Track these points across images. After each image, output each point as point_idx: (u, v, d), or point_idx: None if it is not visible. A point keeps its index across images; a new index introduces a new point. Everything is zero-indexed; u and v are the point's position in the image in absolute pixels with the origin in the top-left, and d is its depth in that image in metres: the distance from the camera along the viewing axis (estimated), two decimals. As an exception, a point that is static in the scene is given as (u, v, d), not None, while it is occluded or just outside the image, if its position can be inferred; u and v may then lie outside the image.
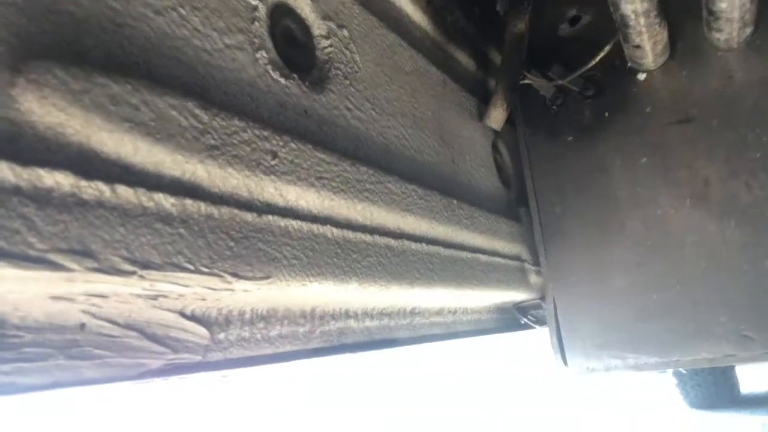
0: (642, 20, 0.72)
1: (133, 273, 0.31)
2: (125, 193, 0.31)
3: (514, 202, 0.97)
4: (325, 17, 0.57)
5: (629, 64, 0.87)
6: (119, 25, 0.34)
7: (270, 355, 0.51)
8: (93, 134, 0.30)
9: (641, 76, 0.87)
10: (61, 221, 0.28)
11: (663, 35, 0.78)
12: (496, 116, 0.88)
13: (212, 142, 0.38)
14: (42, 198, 0.28)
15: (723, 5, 0.70)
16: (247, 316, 0.48)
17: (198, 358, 0.43)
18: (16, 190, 0.27)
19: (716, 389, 3.36)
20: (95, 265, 0.29)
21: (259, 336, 0.49)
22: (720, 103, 0.82)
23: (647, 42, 0.78)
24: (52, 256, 0.27)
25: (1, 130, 0.27)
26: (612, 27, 0.78)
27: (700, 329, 0.84)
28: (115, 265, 0.30)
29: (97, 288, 0.31)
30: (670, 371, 3.39)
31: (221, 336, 0.45)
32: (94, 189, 0.30)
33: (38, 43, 0.29)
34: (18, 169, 0.27)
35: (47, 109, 0.28)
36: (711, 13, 0.73)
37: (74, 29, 0.32)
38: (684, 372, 3.27)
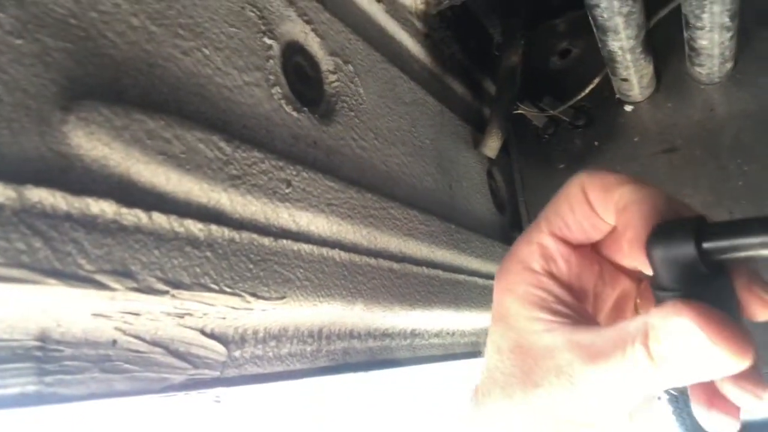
0: (628, 56, 0.77)
1: (166, 292, 0.34)
2: (159, 219, 0.34)
3: (508, 227, 1.00)
4: (333, 53, 0.60)
5: (617, 96, 0.92)
6: (152, 66, 0.38)
7: (281, 373, 0.53)
8: (132, 166, 0.33)
9: (629, 108, 0.92)
10: (106, 245, 0.31)
11: (649, 69, 0.83)
12: (492, 144, 0.92)
13: (234, 172, 0.41)
14: (89, 224, 0.31)
15: (703, 42, 0.75)
16: (261, 334, 0.51)
17: (216, 373, 0.46)
18: (68, 217, 0.30)
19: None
20: (134, 285, 0.32)
21: (271, 354, 0.52)
22: (703, 134, 0.86)
23: (634, 75, 0.83)
24: (99, 277, 0.30)
25: (55, 163, 0.30)
26: (601, 60, 0.83)
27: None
28: (151, 285, 0.33)
29: (133, 306, 0.34)
30: (665, 398, 3.40)
31: (237, 353, 0.48)
32: (133, 216, 0.33)
33: (85, 84, 0.33)
34: (70, 198, 0.30)
35: (93, 144, 0.31)
36: (693, 49, 0.78)
37: (114, 71, 0.35)
38: (679, 400, 3.28)
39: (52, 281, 0.28)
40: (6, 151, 0.28)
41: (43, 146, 0.30)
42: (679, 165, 0.88)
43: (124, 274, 0.32)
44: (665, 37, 0.86)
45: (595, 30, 0.73)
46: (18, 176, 0.28)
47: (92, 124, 0.31)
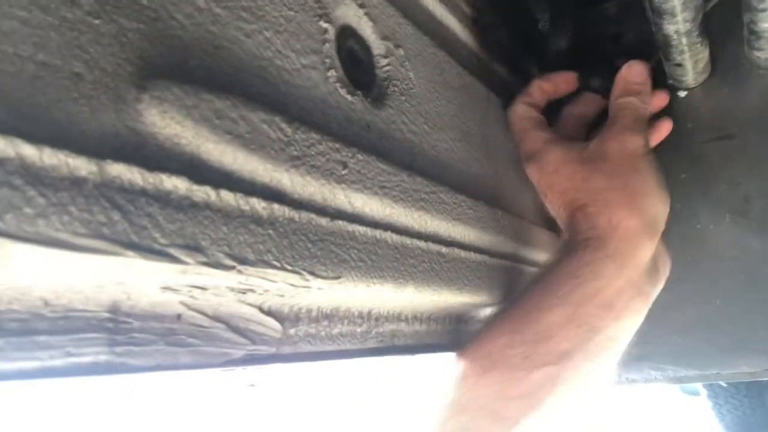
0: (684, 39, 0.75)
1: (233, 267, 0.35)
2: (227, 197, 0.35)
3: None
4: (384, 38, 0.60)
5: (669, 81, 0.89)
6: (217, 48, 0.39)
7: (333, 352, 0.54)
8: (201, 144, 0.34)
9: (682, 94, 0.89)
10: (178, 220, 0.32)
11: (704, 54, 0.81)
12: (538, 131, 0.91)
13: (294, 153, 0.42)
14: (163, 199, 0.32)
15: (765, 25, 0.72)
16: (314, 314, 0.52)
17: (273, 350, 0.47)
18: (143, 192, 0.31)
19: (753, 413, 3.28)
20: (204, 259, 0.33)
21: (323, 333, 0.53)
22: (760, 121, 0.83)
23: (689, 60, 0.80)
24: (172, 250, 0.31)
25: (131, 139, 0.31)
26: (653, 45, 0.81)
27: (739, 343, 0.85)
28: (219, 260, 0.34)
29: (201, 280, 0.35)
30: (704, 395, 3.33)
31: (292, 331, 0.49)
32: (203, 193, 0.34)
33: (156, 65, 0.34)
34: (145, 173, 0.31)
35: (166, 122, 0.32)
36: (752, 32, 0.75)
37: (182, 52, 0.36)
38: (719, 396, 3.21)
39: (131, 253, 0.29)
40: (86, 127, 0.29)
41: (119, 123, 0.31)
42: (734, 152, 0.86)
43: (195, 248, 0.33)
44: (723, 21, 0.83)
45: (650, 13, 0.71)
46: (98, 151, 0.29)
47: (165, 103, 0.32)
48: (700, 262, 0.87)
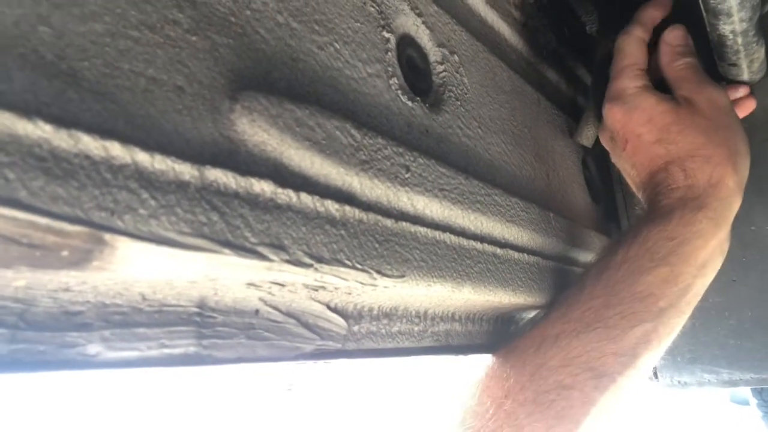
0: (740, 39, 0.74)
1: (311, 265, 0.37)
2: (306, 199, 0.38)
3: (603, 218, 0.99)
4: (440, 45, 0.62)
5: (724, 82, 0.88)
6: (295, 60, 0.41)
7: (392, 349, 0.56)
8: (284, 150, 0.37)
9: (736, 94, 0.88)
10: (265, 221, 0.35)
11: (760, 53, 0.80)
12: (588, 133, 0.91)
13: (363, 157, 0.44)
14: (252, 201, 0.34)
15: (824, 24, 0.71)
16: (375, 312, 0.54)
17: (339, 346, 0.49)
18: (236, 195, 0.33)
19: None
20: (287, 257, 0.36)
21: (383, 331, 0.55)
22: (819, 121, 0.82)
23: (743, 60, 0.80)
24: (261, 249, 0.34)
25: (225, 146, 0.34)
26: (704, 45, 0.80)
27: (796, 348, 0.83)
28: (299, 258, 0.36)
29: (282, 277, 0.38)
30: (753, 404, 3.23)
31: (355, 328, 0.51)
32: (286, 195, 0.36)
33: (244, 77, 0.36)
34: (238, 178, 0.33)
35: (255, 130, 0.35)
36: (811, 32, 0.74)
37: (266, 64, 0.38)
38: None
39: (227, 251, 0.32)
40: (189, 135, 0.32)
41: (216, 132, 0.33)
42: (791, 154, 0.84)
43: (279, 247, 0.35)
44: (779, 20, 0.82)
45: (704, 14, 0.71)
46: (199, 157, 0.32)
47: (254, 113, 0.35)
48: (756, 264, 0.86)
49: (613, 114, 0.73)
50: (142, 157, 0.29)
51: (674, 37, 0.76)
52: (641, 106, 0.70)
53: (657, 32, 0.78)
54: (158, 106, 0.30)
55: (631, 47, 0.75)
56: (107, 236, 0.27)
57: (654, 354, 0.62)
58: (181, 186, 0.30)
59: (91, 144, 0.26)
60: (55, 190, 0.25)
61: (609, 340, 0.60)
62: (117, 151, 0.27)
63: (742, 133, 0.70)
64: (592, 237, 0.88)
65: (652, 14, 0.78)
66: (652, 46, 0.77)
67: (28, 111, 0.24)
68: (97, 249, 0.28)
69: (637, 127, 0.70)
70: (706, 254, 0.63)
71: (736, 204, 0.66)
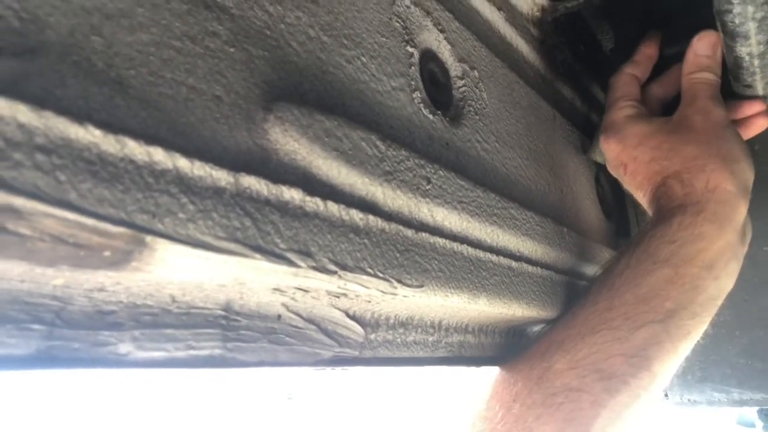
0: (756, 61, 0.75)
1: (335, 272, 0.38)
2: (332, 207, 0.39)
3: (615, 234, 1.00)
4: (461, 60, 0.64)
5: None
6: (324, 72, 0.42)
7: (407, 359, 0.57)
8: (313, 160, 0.38)
9: (750, 115, 0.89)
10: (294, 227, 0.36)
11: (775, 76, 0.80)
12: (601, 150, 0.92)
13: (387, 168, 0.45)
14: (282, 208, 0.35)
15: (840, 49, 0.72)
16: (392, 321, 0.54)
17: (356, 353, 0.50)
18: (267, 202, 0.34)
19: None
20: (313, 263, 0.37)
21: (399, 340, 0.56)
22: (834, 144, 0.82)
23: (759, 82, 0.80)
24: (289, 254, 0.35)
25: (258, 155, 0.35)
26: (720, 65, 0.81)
27: (808, 370, 0.83)
28: (325, 265, 0.37)
29: (306, 283, 0.39)
30: (760, 426, 3.19)
31: (372, 336, 0.52)
32: (313, 203, 0.37)
33: (277, 88, 0.38)
34: (270, 185, 0.35)
35: (286, 140, 0.36)
36: (827, 55, 0.75)
37: (297, 76, 0.40)
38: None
39: (258, 256, 0.33)
40: (226, 143, 0.33)
41: (250, 140, 0.34)
42: (805, 175, 0.85)
43: (306, 253, 0.36)
44: (794, 43, 0.82)
45: (722, 35, 0.72)
46: (234, 164, 0.33)
47: (286, 123, 0.36)
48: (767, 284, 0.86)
49: (608, 144, 0.78)
50: (183, 163, 0.30)
51: (702, 45, 0.78)
52: (632, 131, 0.74)
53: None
54: (198, 114, 0.31)
55: (621, 83, 0.81)
56: (148, 238, 0.28)
57: (670, 357, 0.62)
58: (217, 192, 0.31)
59: (136, 149, 0.28)
60: (102, 193, 0.26)
61: (614, 341, 0.60)
62: (160, 156, 0.29)
63: (741, 144, 0.71)
64: (604, 253, 0.89)
65: (646, 52, 0.84)
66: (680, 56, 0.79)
67: (80, 116, 0.26)
68: (137, 250, 0.29)
69: (631, 151, 0.74)
70: (712, 255, 0.63)
71: (739, 207, 0.66)
